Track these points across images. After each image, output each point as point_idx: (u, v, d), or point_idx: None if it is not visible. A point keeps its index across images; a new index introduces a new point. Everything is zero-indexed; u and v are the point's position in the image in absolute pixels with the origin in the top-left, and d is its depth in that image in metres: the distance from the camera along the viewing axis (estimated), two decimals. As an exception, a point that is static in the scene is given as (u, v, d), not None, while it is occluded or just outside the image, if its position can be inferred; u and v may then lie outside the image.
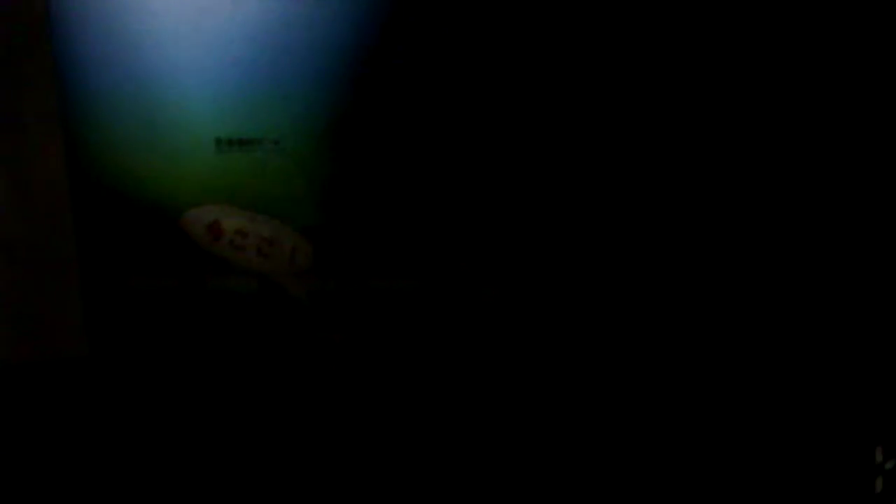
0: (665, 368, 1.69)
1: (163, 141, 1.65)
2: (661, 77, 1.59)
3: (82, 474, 1.71)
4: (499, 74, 1.63)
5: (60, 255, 1.71)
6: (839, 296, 1.63)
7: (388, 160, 1.66)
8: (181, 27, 1.61)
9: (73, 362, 1.72)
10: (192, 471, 1.72)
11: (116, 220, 1.68)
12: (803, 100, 1.59)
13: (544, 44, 1.61)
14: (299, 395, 1.73)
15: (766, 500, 1.62)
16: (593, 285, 1.69)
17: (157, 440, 1.72)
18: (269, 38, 1.62)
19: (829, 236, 1.65)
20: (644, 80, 1.60)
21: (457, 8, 1.61)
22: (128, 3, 1.61)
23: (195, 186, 1.67)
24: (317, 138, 1.66)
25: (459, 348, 1.72)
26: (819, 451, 1.62)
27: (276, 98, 1.64)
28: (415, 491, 1.72)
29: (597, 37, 1.59)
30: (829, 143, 1.60)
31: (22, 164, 1.69)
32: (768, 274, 1.65)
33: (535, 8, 1.60)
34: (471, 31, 1.61)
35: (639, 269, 1.68)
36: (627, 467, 1.69)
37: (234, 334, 1.72)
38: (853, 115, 1.58)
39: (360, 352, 1.73)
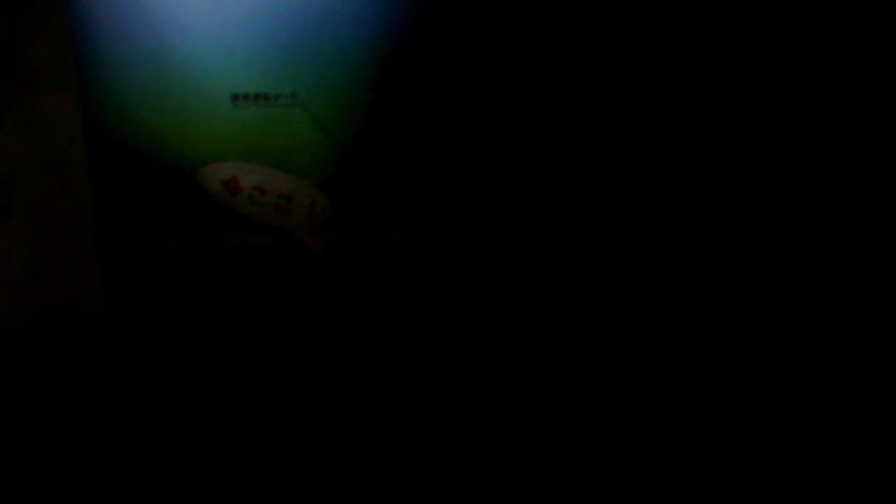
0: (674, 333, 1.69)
1: (179, 96, 1.65)
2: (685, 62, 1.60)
3: (99, 431, 1.70)
4: (521, 30, 1.63)
5: (78, 212, 1.70)
6: (840, 296, 1.64)
7: (407, 115, 1.66)
8: (198, -20, 1.61)
9: (91, 320, 1.71)
10: (208, 425, 1.71)
11: (133, 177, 1.68)
12: (803, 100, 1.60)
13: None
14: (316, 350, 1.73)
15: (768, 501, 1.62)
16: (610, 249, 1.69)
17: (175, 396, 1.72)
18: (287, -9, 1.62)
19: (830, 236, 1.65)
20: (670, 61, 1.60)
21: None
22: (144, -44, 1.61)
23: (212, 142, 1.67)
24: (335, 92, 1.66)
25: (476, 303, 1.72)
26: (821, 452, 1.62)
27: (294, 52, 1.64)
28: (424, 441, 1.72)
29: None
30: (830, 143, 1.61)
31: (39, 123, 1.68)
32: (769, 272, 1.65)
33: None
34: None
35: (657, 228, 1.68)
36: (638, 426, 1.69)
37: (251, 290, 1.72)
38: (853, 115, 1.59)
39: (377, 307, 1.72)
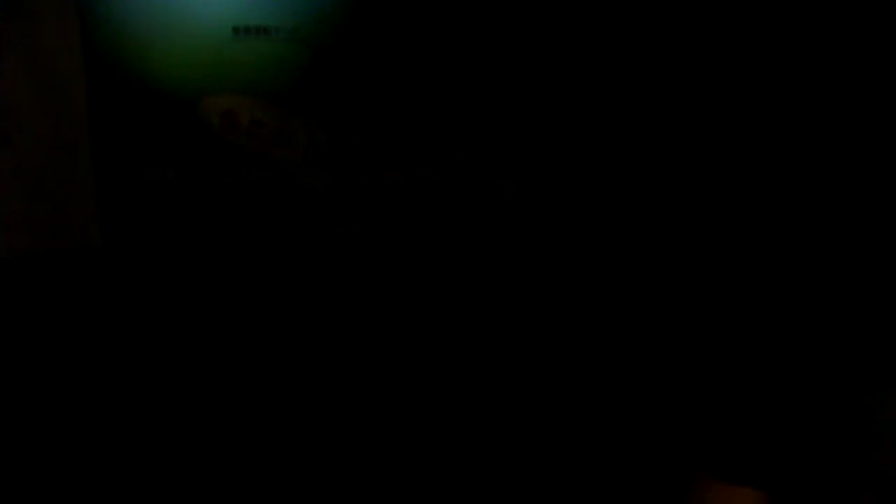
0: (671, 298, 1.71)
1: (179, 28, 1.66)
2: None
3: (92, 364, 1.71)
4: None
5: (77, 142, 1.70)
6: (839, 296, 1.65)
7: (405, 51, 1.68)
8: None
9: (87, 252, 1.72)
10: (202, 358, 1.72)
11: (132, 109, 1.69)
12: (803, 100, 1.62)
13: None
14: (311, 285, 1.74)
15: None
16: (606, 193, 1.71)
17: (170, 330, 1.72)
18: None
19: (829, 236, 1.68)
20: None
21: None
22: None
23: (212, 74, 1.68)
24: (334, 27, 1.67)
25: (471, 241, 1.73)
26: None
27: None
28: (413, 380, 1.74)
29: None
30: (830, 143, 1.63)
31: (38, 54, 1.68)
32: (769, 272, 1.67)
33: None
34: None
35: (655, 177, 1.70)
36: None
37: (248, 224, 1.73)
38: (853, 115, 1.62)
39: (371, 242, 1.74)
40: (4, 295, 1.68)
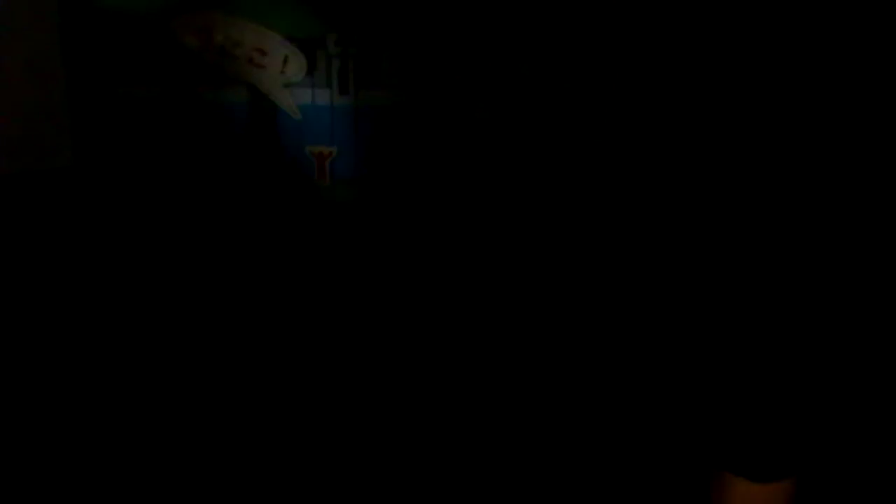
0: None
1: (154, -58, 1.61)
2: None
3: (62, 285, 1.68)
4: None
5: (48, 61, 1.66)
6: (839, 296, 1.57)
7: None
8: None
9: (59, 173, 1.68)
10: (173, 283, 1.68)
11: (104, 25, 1.64)
12: (803, 100, 1.53)
13: None
14: (285, 208, 1.68)
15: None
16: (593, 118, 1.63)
17: (140, 251, 1.68)
18: None
19: (829, 236, 1.59)
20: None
21: None
22: None
23: (186, -10, 1.62)
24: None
25: (447, 163, 1.66)
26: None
27: None
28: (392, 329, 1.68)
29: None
30: (830, 143, 1.54)
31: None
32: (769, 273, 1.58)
33: None
34: None
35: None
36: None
37: (222, 145, 1.67)
38: (853, 116, 1.53)
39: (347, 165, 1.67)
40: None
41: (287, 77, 1.64)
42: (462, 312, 1.67)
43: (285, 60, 1.64)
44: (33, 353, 1.67)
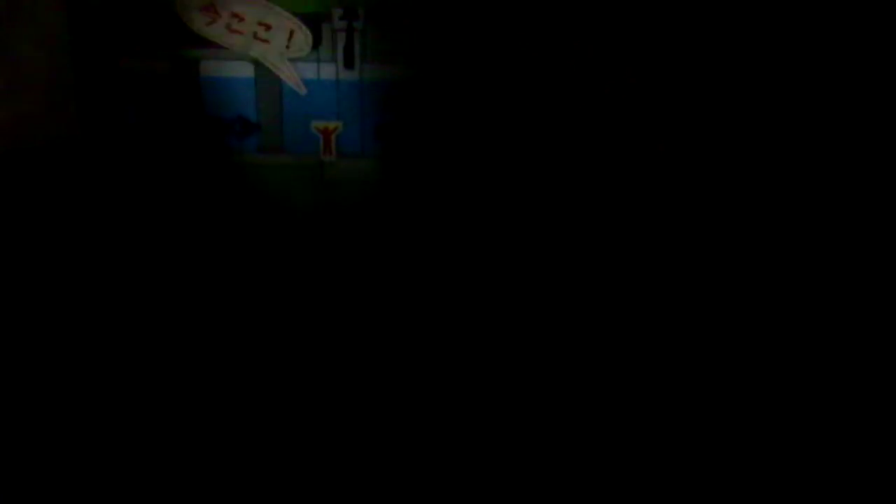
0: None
1: (158, -86, 1.60)
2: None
3: (66, 255, 1.69)
4: None
5: (53, 35, 1.66)
6: (839, 296, 1.56)
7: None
8: None
9: (64, 144, 1.68)
10: (176, 252, 1.69)
11: (111, 3, 1.64)
12: (803, 100, 1.52)
13: None
14: (287, 178, 1.68)
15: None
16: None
17: (145, 222, 1.69)
18: None
19: (829, 236, 1.58)
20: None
21: None
22: None
23: (190, -36, 1.61)
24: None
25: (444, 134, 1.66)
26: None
27: None
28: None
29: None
30: (830, 143, 1.52)
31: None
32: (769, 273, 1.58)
33: None
34: None
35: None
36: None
37: (226, 119, 1.67)
38: (853, 116, 1.51)
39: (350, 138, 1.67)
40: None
41: (292, 52, 1.64)
42: (465, 290, 1.67)
43: (290, 35, 1.63)
44: (38, 322, 1.68)
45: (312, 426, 1.62)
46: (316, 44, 1.63)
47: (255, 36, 1.64)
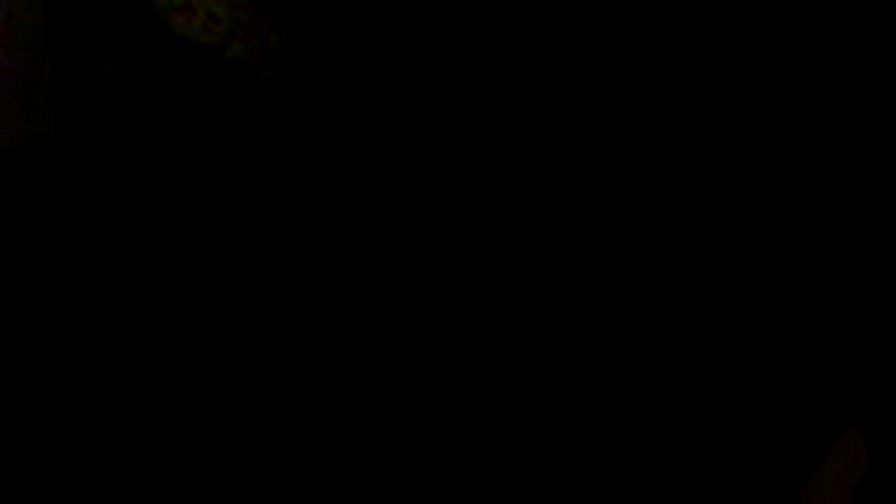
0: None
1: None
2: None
3: (43, 261, 1.68)
4: None
5: (31, 35, 1.67)
6: (839, 296, 1.58)
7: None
8: None
9: (41, 147, 1.68)
10: (155, 258, 1.68)
11: (87, 2, 1.65)
12: (803, 100, 1.54)
13: None
14: (265, 180, 1.68)
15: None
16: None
17: (123, 228, 1.68)
18: None
19: (829, 236, 1.60)
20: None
21: None
22: None
23: (168, -36, 1.62)
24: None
25: (431, 140, 1.67)
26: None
27: None
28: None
29: None
30: (829, 143, 1.55)
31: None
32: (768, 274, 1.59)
33: None
34: None
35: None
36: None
37: (203, 120, 1.68)
38: (853, 116, 1.54)
39: (325, 141, 1.68)
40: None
41: (270, 51, 1.65)
42: (464, 290, 1.67)
43: (268, 35, 1.64)
44: (13, 330, 1.67)
45: (312, 426, 1.61)
46: (294, 41, 1.64)
47: (233, 36, 1.64)
